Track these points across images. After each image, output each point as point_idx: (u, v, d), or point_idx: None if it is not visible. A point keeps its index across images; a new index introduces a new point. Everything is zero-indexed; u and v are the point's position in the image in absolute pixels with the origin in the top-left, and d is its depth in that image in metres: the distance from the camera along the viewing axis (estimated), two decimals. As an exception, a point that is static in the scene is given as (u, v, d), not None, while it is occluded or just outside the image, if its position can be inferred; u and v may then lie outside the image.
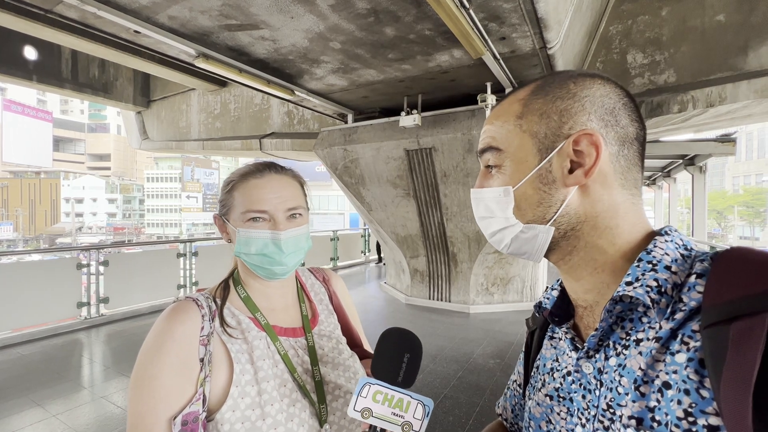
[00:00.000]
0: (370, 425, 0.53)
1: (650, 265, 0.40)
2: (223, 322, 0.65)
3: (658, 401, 0.36)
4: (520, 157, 0.46)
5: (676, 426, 0.34)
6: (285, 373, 0.65)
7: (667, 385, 0.36)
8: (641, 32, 4.58)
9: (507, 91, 4.37)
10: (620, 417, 0.38)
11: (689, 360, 0.35)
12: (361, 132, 5.45)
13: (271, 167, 0.72)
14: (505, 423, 0.66)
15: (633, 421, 0.37)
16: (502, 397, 0.68)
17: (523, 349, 0.62)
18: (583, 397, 0.44)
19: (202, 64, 3.61)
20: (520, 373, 0.63)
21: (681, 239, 0.43)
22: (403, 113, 4.74)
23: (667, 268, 0.40)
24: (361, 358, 0.81)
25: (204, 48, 3.50)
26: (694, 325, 0.36)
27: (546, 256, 0.48)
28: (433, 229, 5.59)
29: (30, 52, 6.92)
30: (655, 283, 0.39)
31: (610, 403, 0.40)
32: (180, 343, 0.60)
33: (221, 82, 7.70)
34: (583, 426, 0.43)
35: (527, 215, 0.46)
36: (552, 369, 0.51)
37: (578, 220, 0.44)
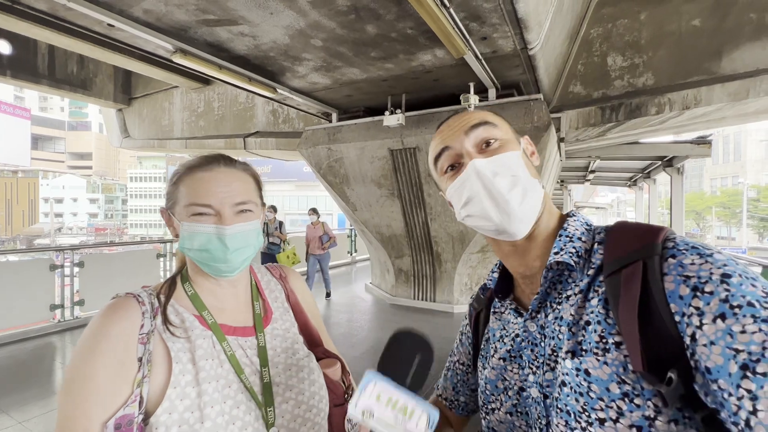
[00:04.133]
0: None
1: (568, 238, 0.54)
2: (165, 319, 0.62)
3: (583, 335, 0.47)
4: (511, 137, 0.58)
5: (596, 347, 0.46)
6: (231, 373, 0.62)
7: (588, 323, 0.48)
8: (621, 35, 4.66)
9: (490, 91, 4.40)
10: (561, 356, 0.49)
11: (599, 301, 0.48)
12: (346, 131, 5.41)
13: (220, 160, 0.68)
14: (444, 402, 0.74)
15: (569, 354, 0.48)
16: (441, 378, 0.76)
17: (468, 331, 0.71)
18: (532, 350, 0.54)
19: (180, 60, 3.53)
20: (462, 353, 0.73)
21: (583, 218, 0.58)
22: (387, 113, 4.72)
23: (579, 239, 0.54)
24: (322, 358, 0.78)
25: (181, 43, 3.42)
26: (600, 277, 0.49)
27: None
28: (418, 229, 5.59)
29: (3, 46, 6.65)
30: (574, 251, 0.53)
31: (554, 348, 0.51)
32: (116, 342, 0.57)
33: (205, 80, 7.56)
34: (534, 373, 0.53)
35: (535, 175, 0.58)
36: (501, 336, 0.61)
37: (543, 201, 0.57)
